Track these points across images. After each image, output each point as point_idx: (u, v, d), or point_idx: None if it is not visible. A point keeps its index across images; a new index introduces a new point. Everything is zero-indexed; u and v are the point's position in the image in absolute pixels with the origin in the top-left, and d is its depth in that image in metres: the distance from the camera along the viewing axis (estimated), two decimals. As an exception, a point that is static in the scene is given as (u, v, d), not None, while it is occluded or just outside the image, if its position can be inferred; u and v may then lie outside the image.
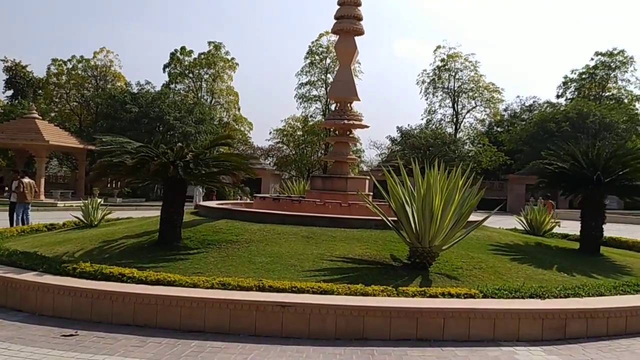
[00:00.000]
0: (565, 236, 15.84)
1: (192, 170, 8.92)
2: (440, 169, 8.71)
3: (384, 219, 9.06)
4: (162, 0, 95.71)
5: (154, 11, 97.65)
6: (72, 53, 63.97)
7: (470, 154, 47.44)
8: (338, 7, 14.67)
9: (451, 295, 6.91)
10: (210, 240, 9.89)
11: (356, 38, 14.80)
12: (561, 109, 48.85)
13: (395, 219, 9.10)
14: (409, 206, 8.73)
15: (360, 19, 14.61)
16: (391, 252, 9.63)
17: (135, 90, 46.46)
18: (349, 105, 14.84)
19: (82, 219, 13.34)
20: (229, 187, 10.38)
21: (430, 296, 6.87)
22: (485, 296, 6.98)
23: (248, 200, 14.82)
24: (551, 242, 13.01)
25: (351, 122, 14.46)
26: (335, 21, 14.77)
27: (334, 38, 48.16)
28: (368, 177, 15.21)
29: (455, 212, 8.63)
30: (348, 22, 14.43)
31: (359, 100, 14.89)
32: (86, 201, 13.45)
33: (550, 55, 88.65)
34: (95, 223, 13.18)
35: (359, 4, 14.63)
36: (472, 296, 6.92)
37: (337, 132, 15.06)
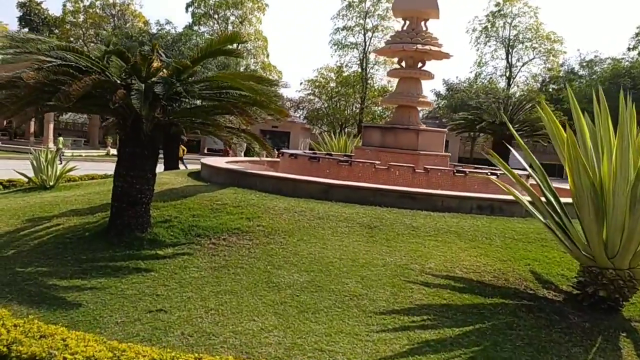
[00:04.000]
0: None
1: (160, 101, 4.51)
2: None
3: (529, 208, 4.56)
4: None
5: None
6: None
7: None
8: None
9: None
10: (202, 228, 5.70)
11: None
12: (636, 63, 42.48)
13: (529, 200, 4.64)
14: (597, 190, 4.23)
15: None
16: (528, 264, 5.24)
17: (154, 31, 41.89)
18: (422, 23, 10.05)
19: (33, 177, 9.26)
20: (234, 137, 5.78)
21: None
22: None
23: (270, 158, 10.22)
24: None
25: (427, 47, 9.66)
26: None
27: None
28: (445, 130, 10.61)
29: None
30: None
31: (438, 17, 10.10)
32: (39, 151, 9.29)
33: (615, 7, 79.54)
34: (51, 183, 9.06)
35: None
36: None
37: (403, 63, 10.29)
